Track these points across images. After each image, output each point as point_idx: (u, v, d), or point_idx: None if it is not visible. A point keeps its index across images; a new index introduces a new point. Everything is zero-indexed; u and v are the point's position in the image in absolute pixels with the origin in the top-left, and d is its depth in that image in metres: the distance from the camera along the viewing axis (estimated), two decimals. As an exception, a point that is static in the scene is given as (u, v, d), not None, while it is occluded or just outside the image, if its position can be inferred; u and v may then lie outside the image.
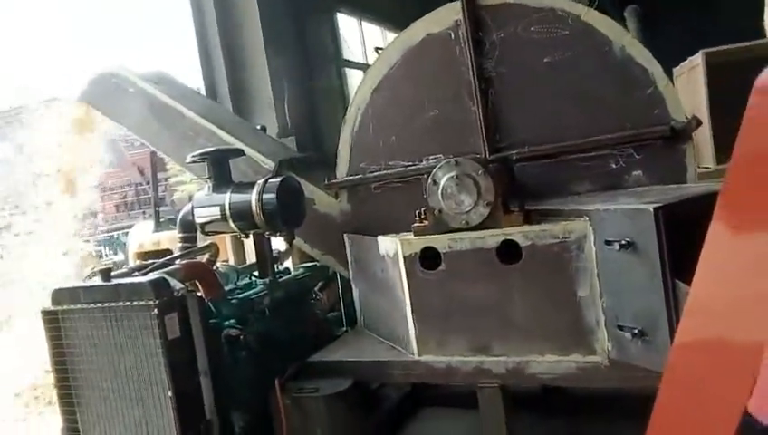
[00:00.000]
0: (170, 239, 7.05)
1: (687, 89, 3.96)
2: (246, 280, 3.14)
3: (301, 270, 3.29)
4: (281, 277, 3.08)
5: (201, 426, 2.25)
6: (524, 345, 2.22)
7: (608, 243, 1.97)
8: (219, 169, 2.91)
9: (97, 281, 2.38)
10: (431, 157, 2.74)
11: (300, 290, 3.16)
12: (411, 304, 2.36)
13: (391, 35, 8.87)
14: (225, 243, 4.42)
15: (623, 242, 1.90)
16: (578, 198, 2.41)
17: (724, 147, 3.60)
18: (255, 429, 2.60)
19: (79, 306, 2.35)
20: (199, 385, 2.32)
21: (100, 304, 2.30)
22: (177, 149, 3.38)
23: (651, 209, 1.83)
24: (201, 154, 2.89)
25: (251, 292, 2.85)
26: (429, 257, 2.34)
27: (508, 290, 2.21)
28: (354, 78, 7.71)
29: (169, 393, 2.20)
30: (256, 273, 3.18)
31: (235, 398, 2.54)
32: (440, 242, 2.29)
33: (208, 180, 2.93)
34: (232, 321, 2.69)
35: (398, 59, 2.77)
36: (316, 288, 3.36)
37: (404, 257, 2.35)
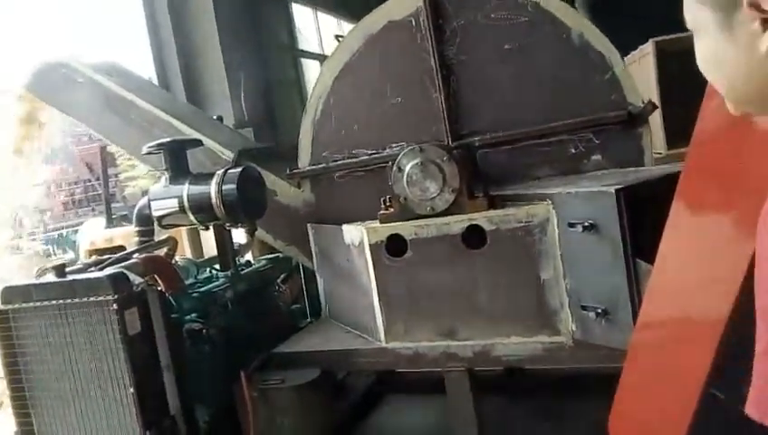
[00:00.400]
0: (123, 236, 6.83)
1: (639, 77, 4.07)
2: (207, 273, 3.08)
3: (263, 262, 3.24)
4: (243, 270, 3.02)
5: (165, 422, 2.19)
6: (490, 328, 2.24)
7: (570, 225, 2.01)
8: (176, 160, 2.83)
9: (50, 278, 2.28)
10: (395, 145, 2.73)
11: (262, 282, 3.12)
12: (378, 292, 2.36)
13: (347, 25, 8.83)
14: (182, 236, 4.32)
15: (586, 224, 1.94)
16: (540, 182, 2.45)
17: (674, 133, 3.73)
18: (221, 423, 2.56)
19: (31, 304, 2.25)
20: (162, 381, 2.26)
21: (54, 302, 2.21)
22: (131, 141, 3.27)
23: (613, 191, 1.87)
24: (157, 145, 2.80)
25: (212, 285, 2.79)
26: (395, 245, 2.34)
27: (473, 275, 2.23)
28: (310, 69, 7.66)
29: (131, 390, 2.14)
30: (217, 266, 3.12)
31: (200, 392, 2.49)
32: (406, 229, 2.29)
33: (165, 172, 2.84)
34: (194, 315, 2.63)
35: (359, 46, 2.75)
36: (279, 280, 3.32)
37: (370, 245, 2.35)
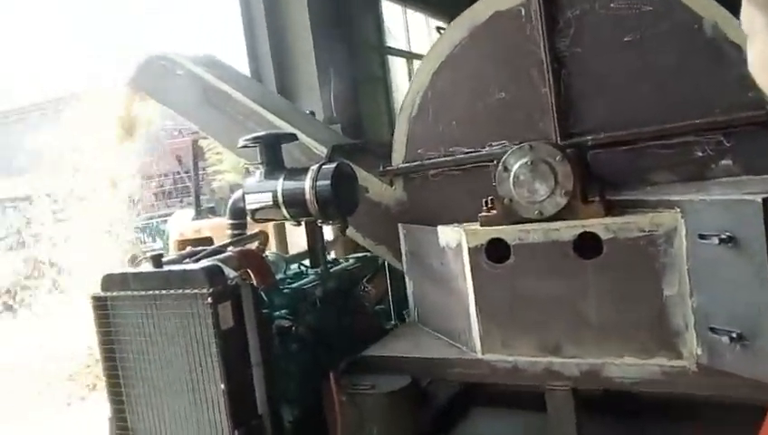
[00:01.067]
0: (211, 227, 7.05)
1: None
2: (296, 269, 3.03)
3: (351, 260, 3.16)
4: (332, 267, 2.95)
5: (254, 422, 2.14)
6: (600, 346, 2.04)
7: (702, 237, 1.79)
8: (272, 153, 2.80)
9: (147, 267, 2.29)
10: (496, 143, 2.58)
11: (350, 281, 3.04)
12: (475, 300, 2.21)
13: (435, 23, 8.69)
14: (268, 231, 4.34)
15: (723, 236, 1.72)
16: (663, 187, 2.21)
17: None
18: (305, 423, 2.50)
19: (128, 293, 2.26)
20: (252, 378, 2.21)
21: (150, 292, 2.21)
22: (226, 134, 3.29)
23: (759, 200, 1.64)
24: (254, 138, 2.78)
25: (303, 281, 2.73)
26: (496, 250, 2.18)
27: (584, 286, 2.04)
28: (398, 67, 7.58)
29: (222, 386, 2.10)
30: (305, 262, 3.07)
31: (286, 391, 2.44)
32: (510, 233, 2.13)
33: (260, 166, 2.82)
34: (283, 311, 2.58)
35: (461, 39, 2.61)
36: (364, 280, 3.24)
37: (468, 249, 2.20)
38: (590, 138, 2.42)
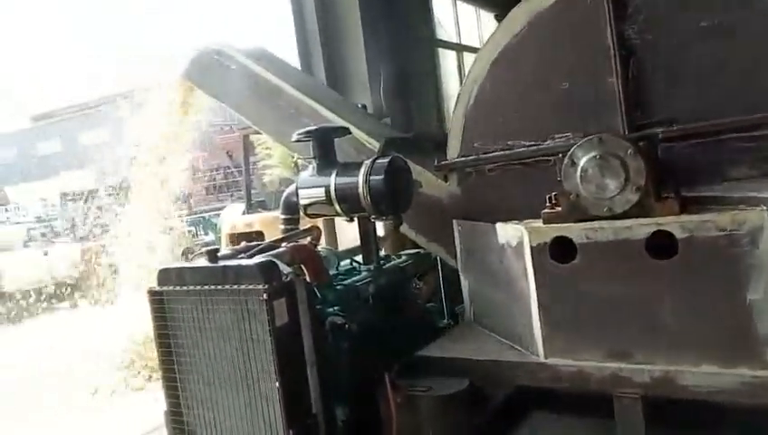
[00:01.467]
0: (261, 221, 7.12)
1: None
2: (347, 265, 2.99)
3: (404, 257, 3.09)
4: (384, 264, 2.89)
5: (308, 421, 2.11)
6: (674, 353, 1.91)
7: (794, 238, 1.64)
8: (325, 148, 2.75)
9: (203, 262, 2.28)
10: (558, 136, 2.45)
11: (403, 278, 2.97)
12: (538, 301, 2.11)
13: (485, 15, 8.52)
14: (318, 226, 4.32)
15: (818, 237, 1.57)
16: (744, 184, 2.05)
17: None
18: (358, 423, 2.45)
19: (184, 287, 2.26)
20: (306, 377, 2.18)
21: (206, 287, 2.20)
22: (277, 128, 3.27)
23: None
24: (306, 132, 2.74)
25: (356, 278, 2.68)
26: (560, 249, 2.07)
27: (657, 289, 1.91)
28: (448, 60, 7.46)
29: (276, 384, 2.07)
30: (356, 257, 3.02)
31: (338, 390, 2.39)
32: (576, 231, 2.01)
33: (313, 160, 2.78)
34: (335, 308, 2.54)
35: (522, 26, 2.49)
36: (416, 277, 3.16)
37: (531, 247, 2.10)
38: (660, 130, 2.27)
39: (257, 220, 6.97)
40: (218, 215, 11.63)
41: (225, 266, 2.17)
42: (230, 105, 3.46)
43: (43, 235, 18.01)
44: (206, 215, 14.71)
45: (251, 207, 7.65)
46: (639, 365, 1.96)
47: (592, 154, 1.99)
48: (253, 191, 8.46)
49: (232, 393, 2.23)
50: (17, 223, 21.19)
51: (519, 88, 2.55)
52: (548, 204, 2.11)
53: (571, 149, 2.03)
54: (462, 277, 2.74)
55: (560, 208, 2.07)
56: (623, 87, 2.30)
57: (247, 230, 6.74)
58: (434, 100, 6.69)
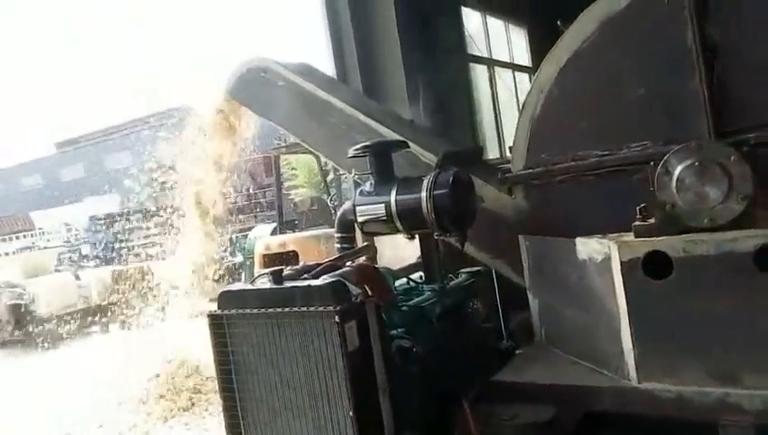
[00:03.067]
0: (295, 241, 7.04)
1: None
2: (404, 284, 2.85)
3: (464, 275, 2.95)
4: (447, 283, 2.75)
5: (383, 451, 1.97)
6: (791, 377, 1.74)
7: None
8: (382, 163, 2.64)
9: (266, 284, 2.17)
10: (635, 144, 2.31)
11: (464, 298, 2.83)
12: (629, 320, 1.95)
13: (515, 29, 8.45)
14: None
15: None
16: None
17: None
18: (428, 452, 2.30)
19: (247, 311, 2.15)
20: (378, 403, 2.04)
21: (270, 310, 2.08)
22: (328, 145, 3.18)
23: None
24: (364, 147, 2.64)
25: (421, 298, 2.55)
26: (653, 264, 1.92)
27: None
28: (479, 74, 7.37)
29: (350, 412, 1.94)
30: (413, 276, 2.89)
31: (408, 417, 2.25)
32: (672, 245, 1.86)
33: (371, 176, 2.67)
34: (400, 330, 2.40)
35: (593, 30, 2.37)
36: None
37: (621, 263, 1.95)
38: (752, 135, 2.12)
39: (291, 240, 6.87)
40: (245, 236, 11.58)
41: (293, 287, 2.06)
42: (278, 122, 3.38)
43: (72, 259, 18.21)
44: (234, 236, 14.68)
45: (283, 227, 7.56)
46: (749, 390, 1.79)
47: (689, 161, 1.85)
48: (270, 212, 8.39)
49: (299, 421, 2.09)
50: (45, 248, 21.47)
51: (590, 95, 2.43)
52: (638, 216, 1.96)
53: (665, 157, 1.89)
54: (530, 296, 2.59)
55: (652, 221, 1.92)
56: (708, 91, 2.16)
57: (281, 250, 6.64)
58: (468, 114, 6.60)
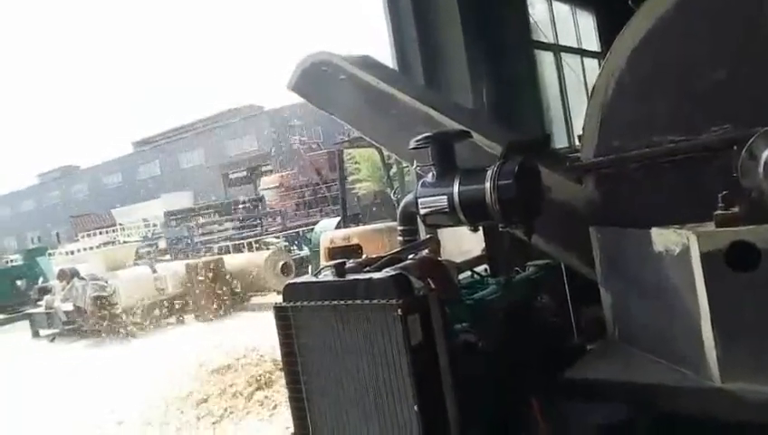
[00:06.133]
0: (359, 235, 7.09)
1: None
2: (468, 278, 2.80)
3: (532, 269, 2.86)
4: (514, 277, 2.68)
5: (449, 448, 1.93)
6: None
7: None
8: (445, 154, 2.59)
9: (330, 276, 2.18)
10: (715, 129, 2.16)
11: (532, 292, 2.75)
12: (711, 316, 1.83)
13: (582, 14, 8.14)
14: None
15: None
16: None
17: None
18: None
19: (312, 303, 2.16)
20: (444, 399, 2.01)
21: (335, 302, 2.09)
22: (391, 138, 3.16)
23: None
24: (425, 138, 2.60)
25: (485, 292, 2.49)
26: (737, 255, 1.79)
27: None
28: (545, 61, 7.16)
29: (415, 408, 1.92)
30: (477, 269, 2.83)
31: (473, 414, 2.20)
32: (760, 234, 1.73)
33: (432, 167, 2.63)
34: (465, 325, 2.36)
35: (668, 8, 2.23)
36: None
37: (701, 255, 1.83)
38: None
39: (355, 234, 6.92)
40: (311, 230, 11.81)
41: (355, 280, 2.05)
42: (340, 116, 3.39)
43: (149, 253, 19.12)
44: (299, 230, 15.01)
45: (346, 221, 7.63)
46: None
47: (779, 144, 1.70)
48: (334, 207, 8.48)
49: (363, 416, 2.09)
50: (125, 242, 22.63)
51: (665, 77, 2.29)
52: (720, 204, 1.83)
53: (751, 140, 1.75)
54: (603, 290, 2.48)
55: (736, 209, 1.79)
56: (795, 68, 1.99)
57: (345, 244, 6.70)
58: (533, 102, 6.42)
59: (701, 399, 1.88)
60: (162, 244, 20.68)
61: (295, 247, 14.17)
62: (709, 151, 2.13)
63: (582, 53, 7.78)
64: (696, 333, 1.89)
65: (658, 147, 2.30)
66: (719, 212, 1.82)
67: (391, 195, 8.10)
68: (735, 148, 1.81)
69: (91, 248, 19.54)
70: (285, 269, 10.58)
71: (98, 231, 32.44)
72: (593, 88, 2.48)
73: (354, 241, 6.70)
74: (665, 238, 2.00)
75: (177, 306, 11.22)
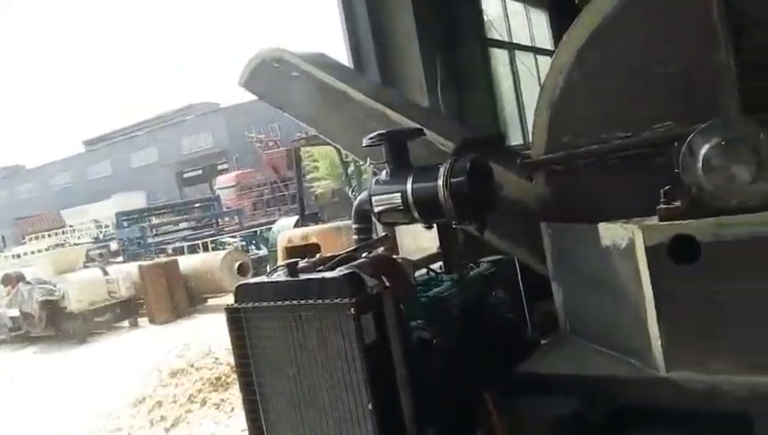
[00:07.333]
0: (317, 233, 7.04)
1: None
2: (424, 275, 2.81)
3: (485, 265, 2.89)
4: (467, 273, 2.70)
5: (403, 445, 1.93)
6: (830, 364, 1.66)
7: None
8: (398, 151, 2.59)
9: (282, 276, 2.15)
10: (661, 124, 2.22)
11: (486, 288, 2.77)
12: (656, 308, 1.88)
13: (536, 12, 8.28)
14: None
15: None
16: None
17: None
18: (451, 445, 2.26)
19: (264, 304, 2.13)
20: (398, 397, 2.01)
21: (287, 302, 2.06)
22: (345, 135, 3.14)
23: None
24: (378, 135, 2.59)
25: (439, 289, 2.50)
26: (679, 249, 1.84)
27: (804, 290, 1.67)
28: (498, 58, 7.24)
29: (369, 406, 1.91)
30: (433, 266, 2.84)
31: (429, 411, 2.21)
32: (701, 229, 1.79)
33: (386, 165, 2.62)
34: (419, 322, 2.36)
35: (614, 6, 2.28)
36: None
37: (646, 248, 1.88)
38: (785, 112, 2.01)
39: (313, 232, 6.87)
40: (269, 229, 11.67)
41: (307, 280, 2.03)
42: (293, 114, 3.35)
43: (101, 255, 18.54)
44: (257, 230, 14.79)
45: (304, 220, 7.57)
46: (786, 379, 1.71)
47: (716, 141, 1.77)
48: (292, 206, 8.42)
49: (318, 415, 2.07)
50: (75, 244, 21.89)
51: (611, 74, 2.34)
52: (663, 199, 1.88)
53: (690, 137, 1.81)
54: (554, 285, 2.53)
55: (678, 204, 1.85)
56: (735, 66, 2.06)
57: (303, 243, 6.64)
58: (488, 100, 6.49)
59: (648, 389, 1.93)
60: (114, 245, 20.11)
61: (253, 247, 14.00)
62: (653, 148, 2.19)
63: (536, 51, 7.91)
64: (643, 325, 1.94)
65: (606, 144, 2.36)
66: (662, 207, 1.88)
67: (350, 193, 8.08)
68: (677, 144, 1.86)
69: (39, 251, 18.83)
70: (243, 269, 10.43)
71: (46, 233, 31.29)
72: (542, 86, 2.52)
73: (313, 240, 6.65)
74: (612, 233, 2.05)
75: (130, 309, 10.92)
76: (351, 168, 8.57)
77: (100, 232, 27.00)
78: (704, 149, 1.78)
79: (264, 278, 2.27)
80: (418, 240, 3.20)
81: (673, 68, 2.21)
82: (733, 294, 1.76)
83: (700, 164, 1.79)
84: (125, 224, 18.87)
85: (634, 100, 2.30)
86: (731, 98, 2.08)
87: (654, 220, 1.90)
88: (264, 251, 11.56)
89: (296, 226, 8.00)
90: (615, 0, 2.28)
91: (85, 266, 12.28)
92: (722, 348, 1.81)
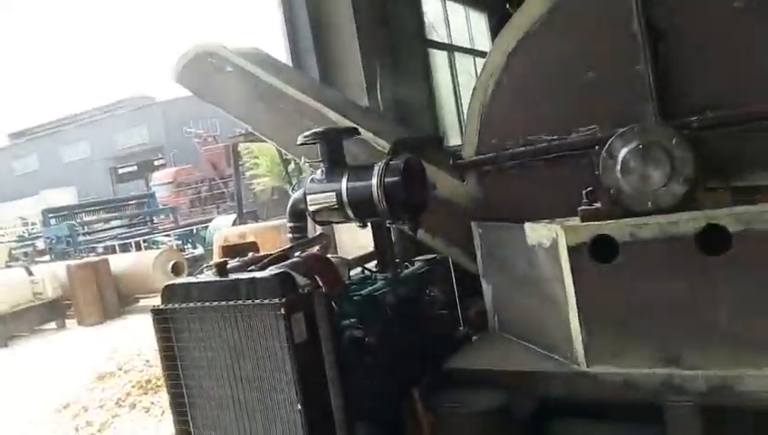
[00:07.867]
0: (255, 232, 6.93)
1: None
2: (359, 274, 2.82)
3: (419, 264, 2.92)
4: (401, 272, 2.72)
5: (333, 444, 1.94)
6: (732, 356, 1.78)
7: None
8: (333, 150, 2.58)
9: (211, 277, 2.10)
10: (584, 129, 2.32)
11: (420, 286, 2.81)
12: (577, 305, 1.96)
13: (475, 15, 8.43)
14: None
15: None
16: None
17: None
18: (383, 443, 2.28)
19: (192, 305, 2.08)
20: (328, 396, 2.01)
21: (216, 303, 2.02)
22: (280, 132, 3.11)
23: None
24: (313, 134, 2.57)
25: (372, 287, 2.51)
26: (600, 248, 1.92)
27: (710, 287, 1.78)
28: (438, 60, 7.34)
29: (298, 405, 1.90)
30: (368, 265, 2.85)
31: (361, 408, 2.22)
32: (618, 229, 1.87)
33: (321, 164, 2.61)
34: (352, 320, 2.37)
35: (542, 13, 2.35)
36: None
37: (568, 248, 1.95)
38: (694, 119, 2.14)
39: (251, 231, 6.76)
40: (206, 227, 11.38)
41: (237, 280, 2.00)
42: (227, 110, 3.29)
43: (26, 254, 17.60)
44: (193, 228, 14.39)
45: (242, 218, 7.44)
46: (693, 371, 1.82)
47: (633, 145, 1.85)
48: (231, 203, 8.28)
49: (248, 417, 2.05)
50: (-1, 243, 20.70)
51: (540, 79, 2.42)
52: (584, 200, 1.96)
53: (610, 141, 1.89)
54: (484, 283, 2.59)
55: (598, 205, 1.93)
56: (653, 75, 2.17)
57: (240, 242, 6.53)
58: (427, 101, 6.56)
59: (568, 382, 2.01)
60: (41, 244, 19.13)
61: (189, 246, 13.63)
62: (576, 151, 2.28)
63: (475, 53, 8.06)
64: (565, 322, 2.02)
65: (533, 146, 2.43)
66: (583, 208, 1.95)
67: (290, 191, 8.00)
68: (597, 147, 1.94)
69: (-42, 250, 17.68)
70: (177, 269, 10.11)
71: (-35, 231, 29.40)
72: (474, 88, 2.58)
73: (250, 239, 6.55)
74: (537, 232, 2.11)
75: (57, 311, 10.41)
76: (292, 165, 8.48)
77: (26, 230, 25.61)
78: (622, 153, 1.87)
79: (192, 278, 2.22)
80: (357, 238, 3.21)
81: (597, 75, 2.30)
82: (646, 291, 1.86)
83: (619, 167, 1.87)
84: (52, 221, 17.97)
85: (560, 105, 2.38)
86: (650, 104, 2.19)
87: (576, 221, 1.98)
88: (200, 250, 11.27)
89: (234, 224, 7.86)
90: (542, 6, 2.36)
91: (7, 266, 11.62)
92: (637, 343, 1.90)
